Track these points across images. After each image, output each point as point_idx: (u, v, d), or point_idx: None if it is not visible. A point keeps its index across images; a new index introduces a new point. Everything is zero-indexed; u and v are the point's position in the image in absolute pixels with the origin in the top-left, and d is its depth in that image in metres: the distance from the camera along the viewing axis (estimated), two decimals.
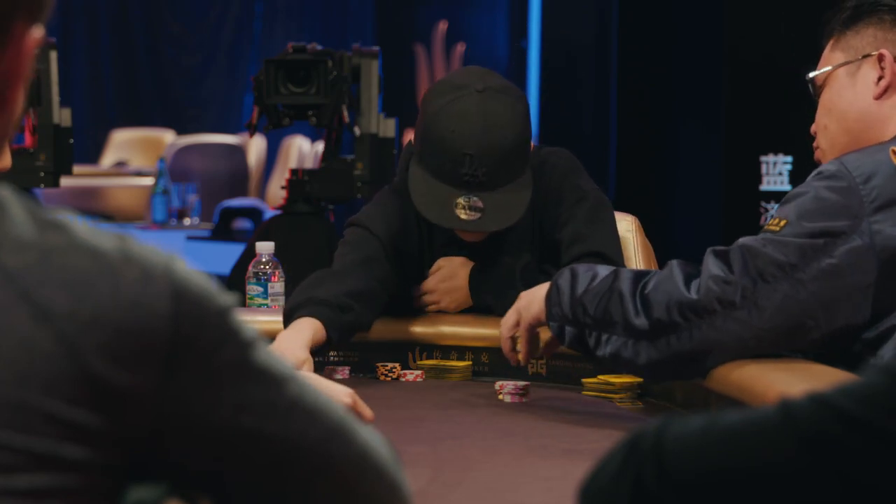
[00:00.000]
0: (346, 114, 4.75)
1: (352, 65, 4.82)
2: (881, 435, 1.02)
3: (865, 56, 2.24)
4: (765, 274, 2.05)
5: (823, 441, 1.03)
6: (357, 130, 4.80)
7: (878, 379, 1.04)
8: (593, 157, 6.70)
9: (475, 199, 2.66)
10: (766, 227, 2.13)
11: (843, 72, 2.26)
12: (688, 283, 2.09)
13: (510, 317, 2.38)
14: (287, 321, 2.54)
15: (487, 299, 2.78)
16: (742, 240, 2.11)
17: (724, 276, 2.06)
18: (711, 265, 2.08)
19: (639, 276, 2.16)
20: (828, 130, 2.28)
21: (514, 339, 2.39)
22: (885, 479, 1.01)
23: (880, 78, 2.23)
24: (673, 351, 2.10)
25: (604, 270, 2.22)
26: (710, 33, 6.34)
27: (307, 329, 2.50)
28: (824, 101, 2.29)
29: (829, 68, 2.28)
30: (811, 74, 2.31)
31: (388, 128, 4.87)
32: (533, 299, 2.34)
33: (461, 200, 2.66)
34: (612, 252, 2.76)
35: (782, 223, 2.09)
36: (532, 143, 2.83)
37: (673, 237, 6.53)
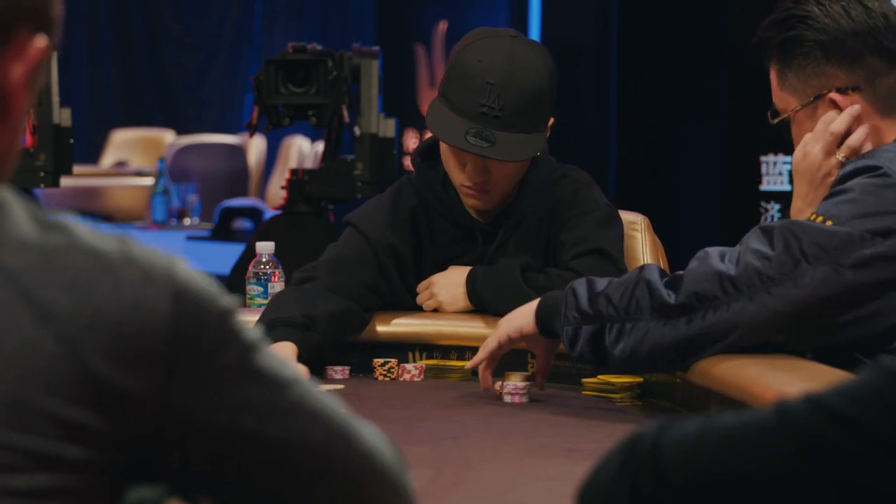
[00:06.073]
0: (346, 114, 4.75)
1: (352, 65, 4.82)
2: (877, 436, 1.02)
3: (818, 97, 2.25)
4: (808, 255, 2.07)
5: (819, 443, 1.03)
6: (357, 130, 4.80)
7: (874, 379, 1.04)
8: (593, 157, 6.70)
9: (488, 133, 2.69)
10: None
11: (803, 115, 2.28)
12: (722, 258, 2.12)
13: (490, 341, 2.40)
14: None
15: (483, 296, 2.76)
16: (788, 220, 2.13)
17: (764, 252, 2.09)
18: (754, 241, 2.11)
19: (664, 271, 2.19)
20: None
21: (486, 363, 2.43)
22: (881, 481, 1.02)
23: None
24: (707, 324, 2.11)
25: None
26: (710, 33, 6.34)
27: (288, 349, 2.54)
28: (799, 140, 2.30)
29: (786, 115, 2.29)
30: (774, 121, 2.32)
31: (388, 128, 4.88)
32: (518, 314, 2.36)
33: (474, 129, 2.70)
34: (615, 253, 2.75)
35: (828, 224, 2.10)
36: (549, 155, 2.86)
37: (673, 237, 6.52)
